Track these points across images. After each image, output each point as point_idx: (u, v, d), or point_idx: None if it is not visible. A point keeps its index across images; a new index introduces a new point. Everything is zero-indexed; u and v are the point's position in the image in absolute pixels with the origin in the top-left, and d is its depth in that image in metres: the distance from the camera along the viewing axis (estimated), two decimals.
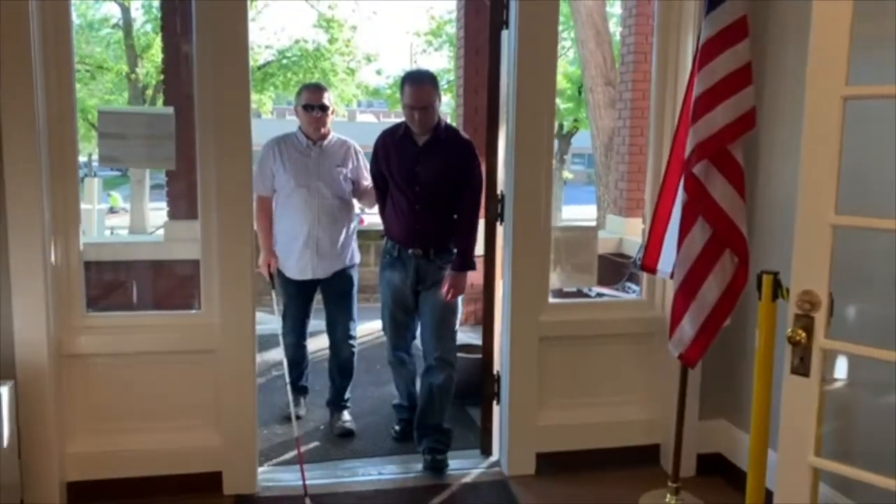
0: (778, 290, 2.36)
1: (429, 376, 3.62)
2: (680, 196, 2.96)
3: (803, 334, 2.17)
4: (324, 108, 3.85)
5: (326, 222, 3.88)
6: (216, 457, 3.21)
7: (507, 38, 3.33)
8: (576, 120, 16.78)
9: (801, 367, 2.21)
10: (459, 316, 3.72)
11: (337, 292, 4.05)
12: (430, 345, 3.63)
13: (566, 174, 20.66)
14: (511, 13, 3.28)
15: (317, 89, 3.96)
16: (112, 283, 5.11)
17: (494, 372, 3.64)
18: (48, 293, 2.90)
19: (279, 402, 4.24)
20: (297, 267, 3.92)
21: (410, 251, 3.57)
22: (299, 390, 4.22)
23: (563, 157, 18.20)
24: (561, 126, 16.93)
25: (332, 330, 4.11)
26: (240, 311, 3.14)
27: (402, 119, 3.62)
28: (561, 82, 15.30)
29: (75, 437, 3.11)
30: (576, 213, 18.64)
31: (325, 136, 3.91)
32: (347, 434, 4.00)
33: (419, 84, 3.46)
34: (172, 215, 5.14)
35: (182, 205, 5.01)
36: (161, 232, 5.99)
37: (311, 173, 3.85)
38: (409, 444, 3.83)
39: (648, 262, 3.19)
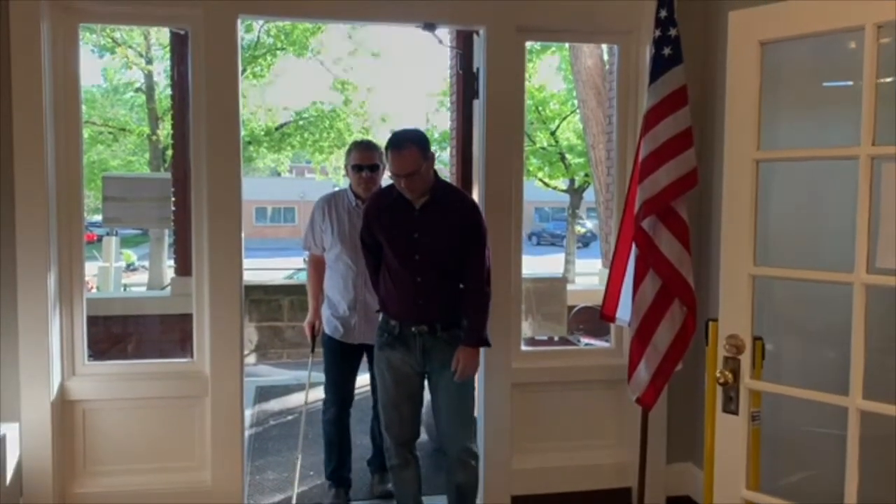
0: None
1: (455, 475, 3.18)
2: (633, 249, 3.19)
3: (730, 375, 2.37)
4: (374, 168, 3.61)
5: None
6: (206, 497, 3.40)
7: (478, 107, 3.62)
8: (586, 175, 17.03)
9: (731, 406, 2.41)
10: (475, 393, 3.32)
11: None
12: (450, 435, 3.18)
13: (578, 228, 20.77)
14: (480, 85, 3.57)
15: (367, 149, 3.69)
16: (121, 335, 5.39)
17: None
18: (51, 346, 3.20)
19: (271, 447, 4.38)
20: (345, 330, 3.66)
21: (414, 329, 3.10)
22: (340, 482, 3.77)
23: (575, 210, 18.38)
24: (572, 181, 17.21)
25: None
26: (228, 360, 3.39)
27: None
28: (571, 139, 15.66)
29: (74, 477, 3.34)
30: (594, 267, 18.47)
31: None
32: (389, 495, 3.69)
33: (400, 149, 2.98)
34: (178, 272, 5.43)
35: (187, 262, 5.29)
36: (170, 288, 6.29)
37: (358, 233, 3.50)
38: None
39: (607, 311, 3.40)
